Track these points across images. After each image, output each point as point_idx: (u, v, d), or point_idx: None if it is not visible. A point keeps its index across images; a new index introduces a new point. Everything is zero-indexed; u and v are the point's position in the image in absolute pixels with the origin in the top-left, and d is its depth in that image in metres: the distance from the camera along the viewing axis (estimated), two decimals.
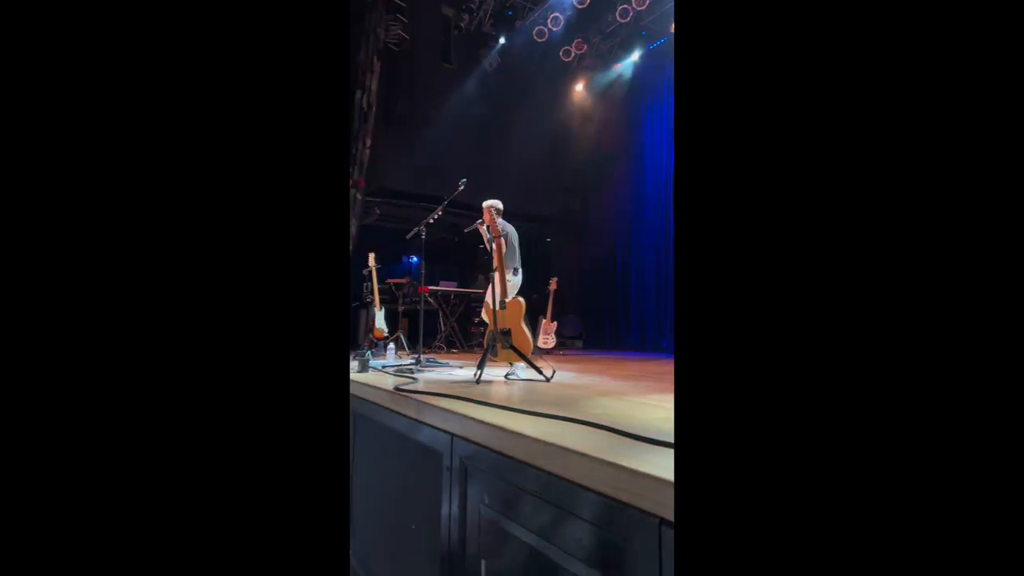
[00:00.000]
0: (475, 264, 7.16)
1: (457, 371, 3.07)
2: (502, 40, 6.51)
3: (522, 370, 2.74)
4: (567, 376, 2.88)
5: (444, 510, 1.62)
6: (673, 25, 5.69)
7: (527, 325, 2.70)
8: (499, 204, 3.19)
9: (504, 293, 2.67)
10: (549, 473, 1.17)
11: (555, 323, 5.34)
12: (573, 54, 6.44)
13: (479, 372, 2.48)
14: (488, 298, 2.97)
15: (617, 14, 5.62)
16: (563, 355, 5.19)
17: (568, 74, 6.77)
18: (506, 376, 2.69)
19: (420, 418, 1.83)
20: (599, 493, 1.03)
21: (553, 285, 5.41)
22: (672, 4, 5.63)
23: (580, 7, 5.60)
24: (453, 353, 5.16)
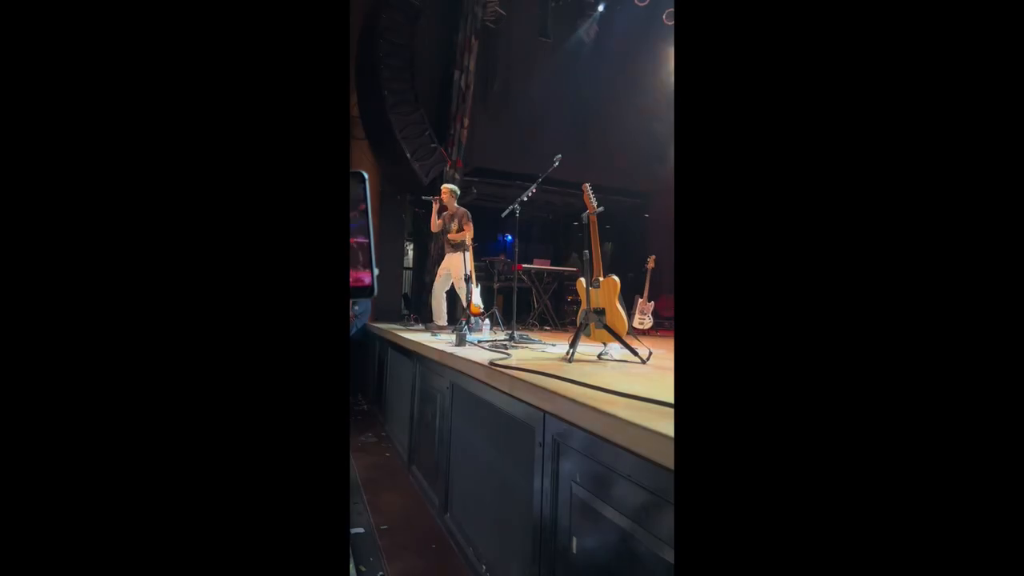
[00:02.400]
0: (569, 242, 7.09)
1: (550, 348, 3.09)
2: (601, 8, 6.25)
3: (616, 350, 2.69)
4: (664, 358, 2.79)
5: (536, 485, 1.65)
6: None
7: (622, 304, 2.63)
8: (455, 188, 4.60)
9: (599, 271, 2.62)
10: (640, 456, 1.14)
11: (652, 303, 5.16)
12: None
13: (572, 351, 2.47)
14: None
15: None
16: (660, 335, 5.01)
17: (671, 40, 6.35)
18: (599, 355, 2.65)
19: (513, 393, 1.87)
20: None
21: (651, 263, 5.22)
22: None
23: None
24: (546, 331, 5.20)
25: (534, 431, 1.70)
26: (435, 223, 4.64)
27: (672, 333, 5.66)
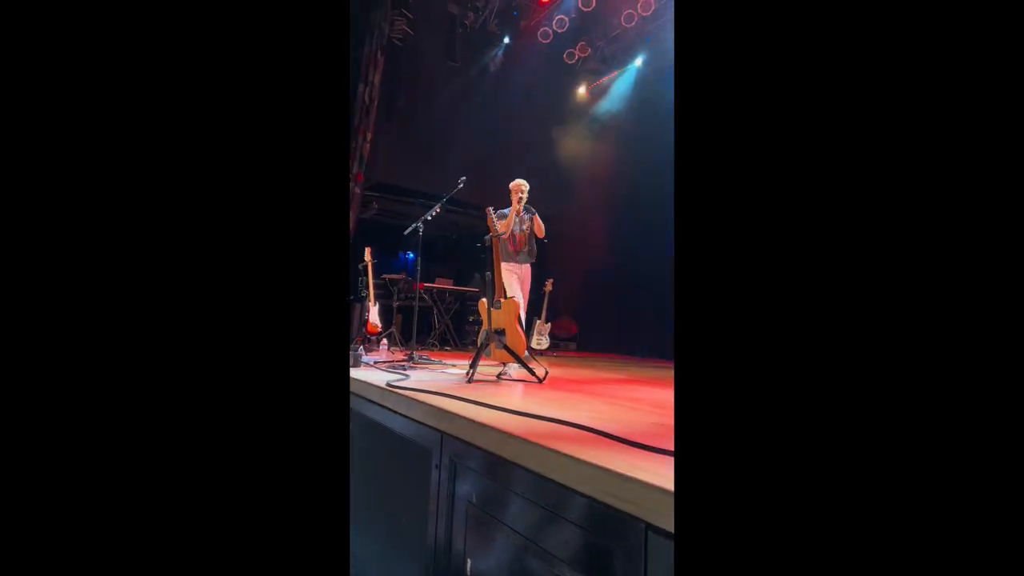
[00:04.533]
0: (472, 262, 7.15)
1: (450, 369, 3.07)
2: (507, 40, 6.50)
3: (515, 370, 2.75)
4: (560, 378, 2.89)
5: (432, 507, 1.62)
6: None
7: (522, 325, 2.70)
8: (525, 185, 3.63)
9: (500, 292, 2.67)
10: (537, 474, 1.17)
11: (549, 324, 5.34)
12: (577, 56, 6.45)
13: (471, 371, 2.48)
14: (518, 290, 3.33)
15: (622, 19, 5.63)
16: (556, 356, 5.19)
17: (571, 76, 6.77)
18: (498, 376, 2.69)
19: (411, 415, 1.83)
20: (586, 496, 1.03)
21: (548, 286, 5.42)
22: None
23: (585, 10, 5.61)
24: (447, 351, 5.15)
25: (431, 453, 1.67)
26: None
27: (567, 353, 5.89)
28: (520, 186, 3.63)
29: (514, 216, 3.58)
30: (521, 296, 3.58)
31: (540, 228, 3.72)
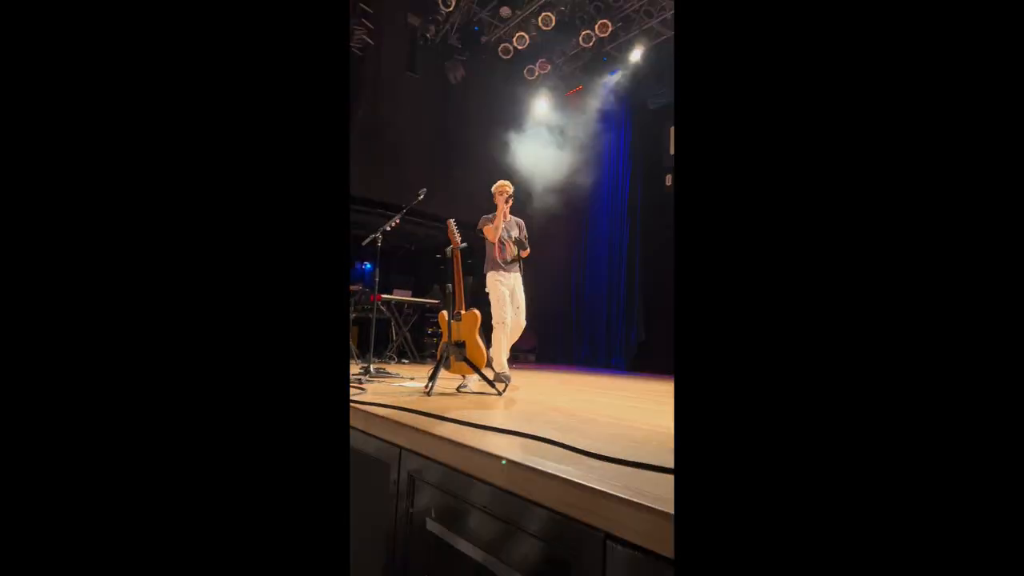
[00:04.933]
0: (432, 274, 7.10)
1: (408, 383, 3.02)
2: (467, 54, 6.56)
3: (474, 383, 2.73)
4: (519, 389, 2.90)
5: (389, 524, 1.58)
6: (632, 52, 5.92)
7: (482, 337, 2.70)
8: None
9: (461, 304, 2.67)
10: (498, 487, 1.17)
11: None
12: (537, 73, 6.57)
13: (431, 384, 2.45)
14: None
15: (580, 39, 5.79)
16: (515, 368, 5.20)
17: (531, 92, 6.89)
18: (458, 388, 2.67)
19: (368, 430, 1.79)
20: (546, 507, 1.04)
21: None
22: (631, 35, 5.86)
23: (545, 29, 5.73)
24: (404, 364, 5.07)
25: (389, 468, 1.63)
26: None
27: (527, 365, 5.90)
28: (504, 187, 3.25)
29: (502, 220, 3.18)
30: (510, 313, 3.12)
31: (526, 252, 3.23)
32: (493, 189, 3.26)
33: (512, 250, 3.21)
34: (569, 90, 6.90)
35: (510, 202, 3.24)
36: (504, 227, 3.22)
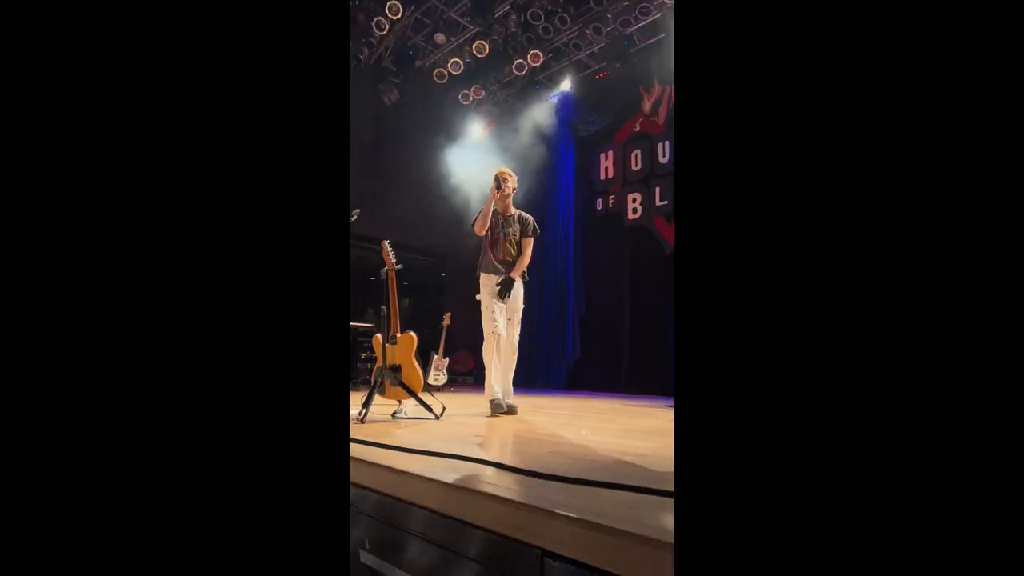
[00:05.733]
0: (364, 297, 6.93)
1: None
2: (402, 77, 6.58)
3: (411, 407, 2.68)
4: (457, 413, 2.87)
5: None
6: (564, 82, 6.18)
7: (419, 360, 2.66)
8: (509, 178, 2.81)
9: (396, 327, 2.62)
10: (435, 512, 1.15)
11: (447, 359, 5.30)
12: (472, 98, 6.69)
13: (364, 410, 2.38)
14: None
15: (513, 67, 5.98)
16: (454, 392, 5.14)
17: (466, 116, 6.99)
18: (393, 414, 2.60)
19: None
20: (483, 528, 1.04)
21: (447, 320, 5.40)
22: (563, 65, 6.13)
23: (480, 56, 5.88)
24: None
25: None
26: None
27: (465, 388, 5.86)
28: (504, 173, 2.80)
29: (492, 207, 2.73)
30: (502, 324, 2.84)
31: (526, 257, 2.86)
32: (496, 173, 2.86)
33: (508, 250, 2.83)
34: (505, 114, 7.06)
35: (508, 193, 2.80)
36: (502, 221, 2.85)
